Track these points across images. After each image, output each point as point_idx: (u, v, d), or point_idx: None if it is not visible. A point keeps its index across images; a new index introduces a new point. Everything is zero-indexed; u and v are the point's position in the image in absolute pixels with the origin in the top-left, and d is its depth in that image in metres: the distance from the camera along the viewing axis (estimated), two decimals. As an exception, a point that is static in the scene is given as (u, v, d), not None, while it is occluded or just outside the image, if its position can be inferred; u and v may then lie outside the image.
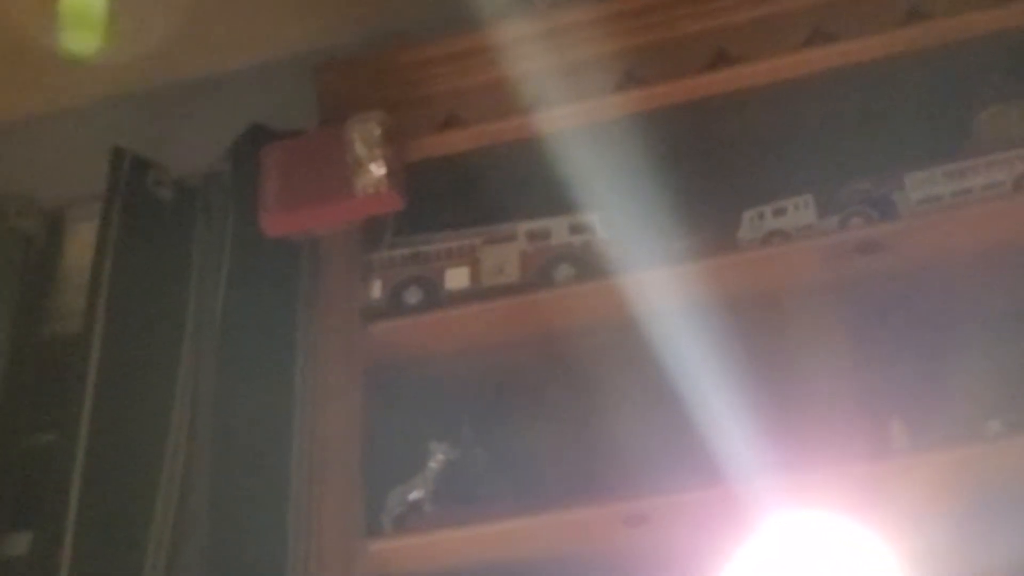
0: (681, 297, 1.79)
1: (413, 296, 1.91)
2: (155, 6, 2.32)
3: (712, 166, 1.97)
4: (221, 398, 2.08)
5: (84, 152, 2.44)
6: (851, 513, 1.64)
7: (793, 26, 1.85)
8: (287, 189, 1.93)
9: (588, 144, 1.87)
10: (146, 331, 2.19)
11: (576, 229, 1.89)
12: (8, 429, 2.22)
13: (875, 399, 1.76)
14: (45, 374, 2.30)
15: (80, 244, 2.39)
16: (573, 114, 1.89)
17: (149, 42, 2.35)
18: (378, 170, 1.89)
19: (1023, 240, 1.77)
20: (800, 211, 1.83)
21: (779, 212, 1.84)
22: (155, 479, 2.07)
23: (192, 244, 2.29)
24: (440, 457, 1.82)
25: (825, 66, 1.84)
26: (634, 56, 1.90)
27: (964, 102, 1.86)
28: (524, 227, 1.92)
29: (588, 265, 1.86)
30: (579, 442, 1.89)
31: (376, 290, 1.91)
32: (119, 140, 2.34)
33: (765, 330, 1.86)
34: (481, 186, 1.98)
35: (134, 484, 2.06)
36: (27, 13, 2.29)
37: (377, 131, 1.90)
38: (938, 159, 1.80)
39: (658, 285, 1.80)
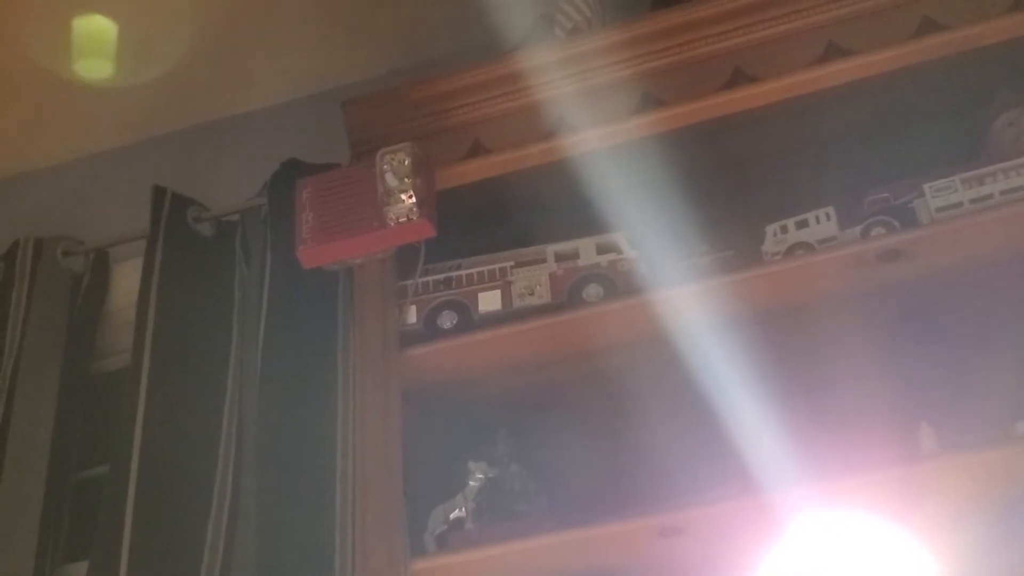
0: (709, 312, 1.82)
1: (447, 320, 1.95)
2: (188, 47, 2.39)
3: (734, 182, 2.00)
4: (265, 426, 2.13)
5: (126, 192, 2.51)
6: (883, 518, 1.66)
7: (808, 42, 1.87)
8: (321, 222, 1.97)
9: (612, 166, 1.91)
10: (192, 363, 2.25)
11: (603, 249, 1.93)
12: (62, 463, 2.28)
13: (903, 405, 1.78)
14: (96, 409, 2.37)
15: (125, 281, 2.44)
16: (596, 137, 1.92)
17: (181, 81, 2.41)
18: (409, 200, 1.93)
19: (1044, 243, 1.79)
20: (822, 223, 1.86)
21: (801, 225, 1.87)
22: (205, 506, 2.12)
23: (233, 277, 2.34)
24: (479, 476, 1.86)
25: (841, 80, 1.86)
26: (653, 79, 1.93)
27: (979, 110, 1.88)
28: (553, 249, 1.96)
29: (616, 284, 1.90)
30: (614, 457, 1.92)
31: (411, 315, 1.95)
32: (159, 179, 2.41)
33: (792, 341, 1.89)
34: (509, 211, 2.02)
35: (185, 512, 2.11)
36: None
37: (407, 162, 1.94)
38: (956, 167, 1.82)
39: (686, 301, 1.83)
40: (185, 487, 2.13)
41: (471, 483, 1.86)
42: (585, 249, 1.94)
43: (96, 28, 2.25)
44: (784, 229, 1.88)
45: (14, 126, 2.59)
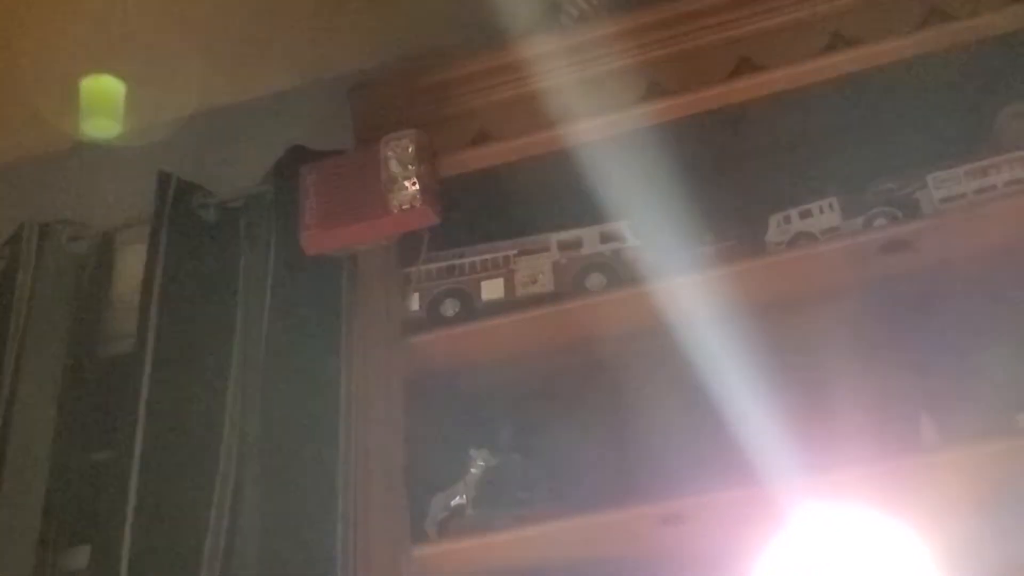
0: (711, 301, 1.82)
1: (450, 308, 1.95)
2: (193, 38, 2.39)
3: (737, 171, 2.01)
4: (269, 412, 2.14)
5: (131, 177, 2.50)
6: (883, 509, 1.67)
7: (813, 32, 1.87)
8: (325, 208, 1.97)
9: (616, 154, 1.90)
10: (196, 348, 2.25)
11: (607, 238, 1.93)
12: (66, 448, 2.29)
13: (904, 396, 1.78)
14: (100, 393, 2.37)
15: (130, 266, 2.45)
16: (600, 126, 1.92)
17: (188, 74, 2.41)
18: (413, 187, 1.93)
19: (1047, 235, 1.79)
20: (825, 213, 1.86)
21: (805, 215, 1.87)
22: (208, 492, 2.13)
23: (237, 263, 2.35)
24: (480, 463, 1.87)
25: (846, 70, 1.86)
26: (659, 67, 1.93)
27: (984, 101, 1.88)
28: (556, 238, 1.96)
29: (619, 273, 1.90)
30: (615, 445, 1.93)
31: (415, 303, 1.96)
32: (164, 165, 2.41)
33: (795, 331, 1.89)
34: (513, 199, 2.02)
35: (187, 498, 2.12)
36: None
37: (410, 149, 1.94)
38: (960, 158, 1.82)
39: (688, 291, 1.83)
40: (188, 472, 2.14)
41: (473, 470, 1.87)
42: (589, 238, 1.94)
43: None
44: (788, 219, 1.88)
45: (20, 111, 2.58)
